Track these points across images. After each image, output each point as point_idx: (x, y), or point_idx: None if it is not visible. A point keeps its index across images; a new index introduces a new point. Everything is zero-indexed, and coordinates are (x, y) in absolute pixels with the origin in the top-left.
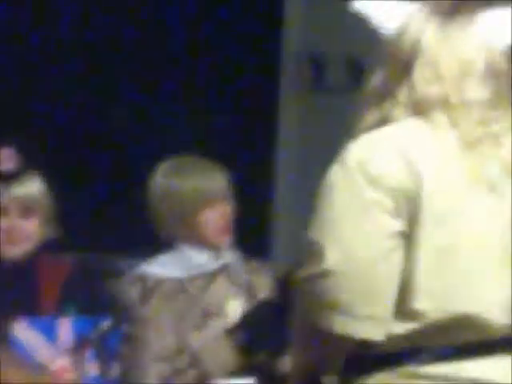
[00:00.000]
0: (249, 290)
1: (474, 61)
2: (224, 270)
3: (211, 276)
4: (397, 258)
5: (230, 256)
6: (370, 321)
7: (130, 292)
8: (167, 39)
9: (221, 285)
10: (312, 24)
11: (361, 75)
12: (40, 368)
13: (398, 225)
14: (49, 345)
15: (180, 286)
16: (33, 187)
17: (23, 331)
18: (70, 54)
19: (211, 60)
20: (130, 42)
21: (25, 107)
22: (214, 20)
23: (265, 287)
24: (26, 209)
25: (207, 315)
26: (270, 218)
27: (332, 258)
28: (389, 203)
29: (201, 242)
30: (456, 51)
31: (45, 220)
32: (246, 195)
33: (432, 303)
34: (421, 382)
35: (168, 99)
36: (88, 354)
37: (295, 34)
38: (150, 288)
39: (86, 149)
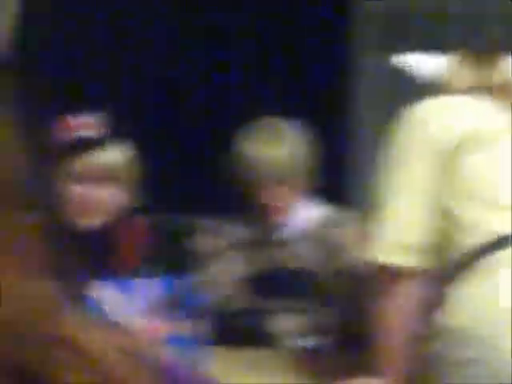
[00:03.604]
0: (332, 247)
1: None
2: (302, 233)
3: (286, 241)
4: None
5: (317, 211)
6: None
7: (205, 247)
8: None
9: (297, 249)
10: None
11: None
12: (121, 329)
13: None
14: (128, 305)
15: (256, 247)
16: (114, 155)
17: (104, 293)
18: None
19: (285, 13)
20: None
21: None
22: None
23: (345, 239)
24: (104, 177)
25: (280, 278)
26: (346, 168)
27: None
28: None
29: (262, 215)
30: None
31: (126, 189)
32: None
33: None
34: None
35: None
36: (169, 313)
37: None
38: (226, 244)
39: (164, 109)
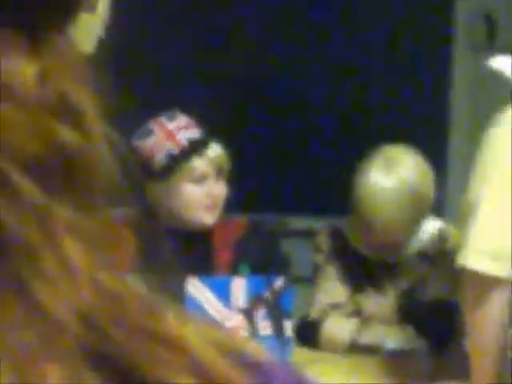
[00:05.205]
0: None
1: None
2: (418, 251)
3: (402, 262)
4: None
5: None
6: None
7: (323, 245)
8: None
9: (413, 268)
10: None
11: None
12: (215, 326)
13: None
14: (223, 303)
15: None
16: (220, 149)
17: (198, 290)
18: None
19: (383, 19)
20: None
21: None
22: None
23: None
24: (219, 171)
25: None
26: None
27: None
28: None
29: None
30: None
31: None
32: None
33: None
34: None
35: None
36: (261, 313)
37: None
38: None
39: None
